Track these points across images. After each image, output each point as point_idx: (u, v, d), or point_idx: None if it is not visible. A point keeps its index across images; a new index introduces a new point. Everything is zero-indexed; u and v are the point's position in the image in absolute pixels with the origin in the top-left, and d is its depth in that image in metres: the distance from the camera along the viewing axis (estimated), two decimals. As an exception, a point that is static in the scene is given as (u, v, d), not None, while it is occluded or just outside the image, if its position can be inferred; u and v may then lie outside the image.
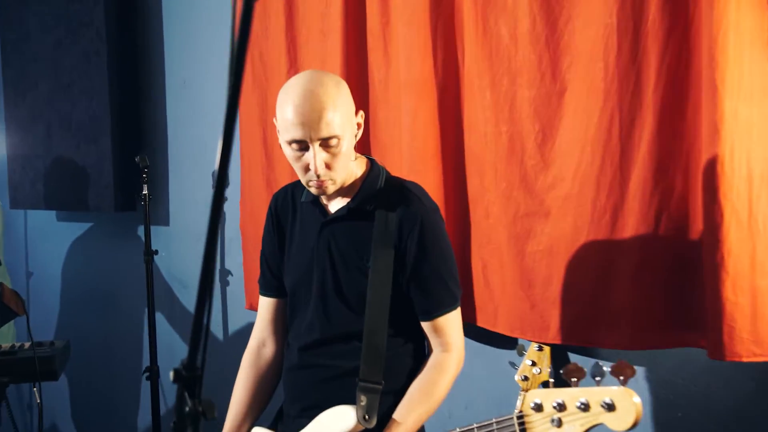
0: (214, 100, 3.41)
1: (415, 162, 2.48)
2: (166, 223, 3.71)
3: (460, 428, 1.65)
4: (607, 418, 1.37)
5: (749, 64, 1.84)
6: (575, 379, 1.43)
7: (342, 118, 1.76)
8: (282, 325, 2.11)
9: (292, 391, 2.01)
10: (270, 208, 2.09)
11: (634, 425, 1.34)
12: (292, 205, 2.05)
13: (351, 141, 1.83)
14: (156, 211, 3.67)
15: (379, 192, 1.92)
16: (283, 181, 2.71)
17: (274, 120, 1.85)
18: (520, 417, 1.50)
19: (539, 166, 2.26)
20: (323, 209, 1.96)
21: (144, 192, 3.35)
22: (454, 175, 2.50)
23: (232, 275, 3.46)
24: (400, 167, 2.48)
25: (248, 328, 2.34)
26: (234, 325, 3.47)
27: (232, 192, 3.28)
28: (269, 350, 2.12)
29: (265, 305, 2.12)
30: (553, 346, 2.27)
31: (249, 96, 3.06)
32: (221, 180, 0.94)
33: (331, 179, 1.81)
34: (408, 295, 1.90)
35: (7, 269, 3.81)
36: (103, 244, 4.03)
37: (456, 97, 2.49)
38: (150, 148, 3.70)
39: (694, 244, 1.99)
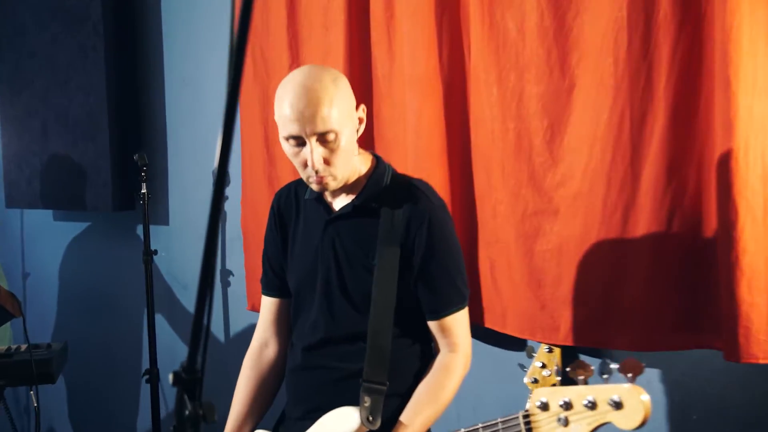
0: (214, 97, 3.42)
1: (421, 160, 2.49)
2: (166, 222, 3.72)
3: (465, 429, 1.66)
4: (614, 417, 1.37)
5: (764, 57, 1.84)
6: (582, 377, 1.44)
7: (340, 113, 1.77)
8: (285, 325, 2.12)
9: (295, 393, 2.02)
10: (273, 206, 2.10)
11: (643, 424, 1.34)
12: (295, 202, 2.06)
13: (351, 136, 1.84)
14: (155, 210, 3.68)
15: (385, 189, 1.92)
16: (286, 178, 2.72)
17: (275, 117, 1.86)
18: (525, 416, 1.51)
19: (548, 163, 2.26)
20: (327, 207, 1.97)
21: (143, 190, 3.35)
22: (460, 173, 2.51)
23: (233, 276, 3.46)
24: (405, 165, 2.49)
25: (250, 329, 2.35)
26: (235, 327, 3.48)
27: (233, 191, 3.28)
28: (272, 351, 2.13)
29: (268, 305, 2.13)
30: (563, 348, 2.27)
31: (250, 92, 3.07)
32: (221, 176, 0.94)
33: (331, 175, 1.82)
34: (415, 294, 1.91)
35: (2, 270, 3.81)
36: (102, 244, 4.04)
37: (462, 93, 2.49)
38: (149, 145, 3.70)
39: (708, 242, 2.00)
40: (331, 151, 1.79)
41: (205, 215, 0.94)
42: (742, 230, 1.86)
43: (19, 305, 3.34)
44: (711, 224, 1.99)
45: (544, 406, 1.48)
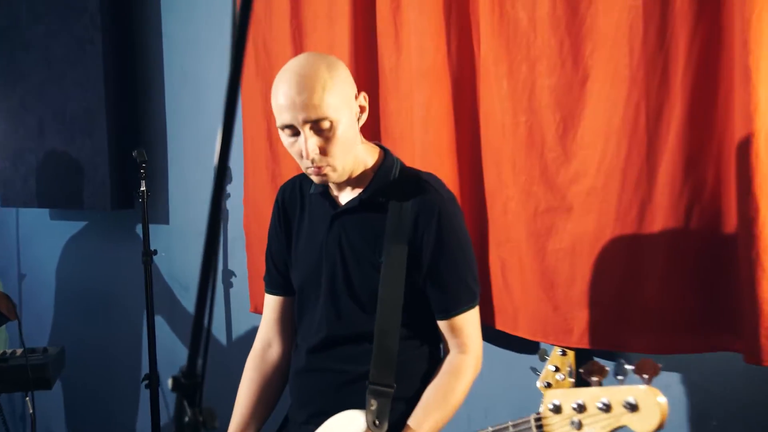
0: (216, 91, 3.42)
1: (429, 155, 2.49)
2: (166, 221, 3.73)
3: (474, 432, 1.66)
4: (630, 420, 1.37)
5: (785, 47, 1.83)
6: (597, 379, 1.43)
7: (335, 100, 1.77)
8: (289, 325, 2.12)
9: (299, 396, 2.03)
10: (277, 201, 2.10)
11: (660, 427, 1.33)
12: (300, 197, 2.06)
13: (350, 125, 1.82)
14: (155, 209, 3.69)
15: (393, 183, 1.92)
16: (289, 175, 2.71)
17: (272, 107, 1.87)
18: (537, 419, 1.51)
19: (560, 158, 2.26)
20: (333, 201, 1.97)
21: (142, 188, 3.37)
22: (469, 169, 2.51)
23: (235, 276, 3.47)
24: (412, 161, 2.49)
25: (253, 332, 2.35)
26: (238, 330, 3.49)
27: (235, 188, 3.29)
28: (275, 352, 2.13)
29: (271, 304, 2.13)
30: (577, 351, 2.27)
31: (252, 86, 3.07)
32: (221, 171, 0.95)
33: (329, 165, 1.81)
34: (423, 292, 1.90)
35: (-3, 271, 3.84)
36: (100, 244, 4.05)
37: (471, 86, 2.49)
38: (148, 141, 3.72)
39: (728, 239, 1.99)
40: (327, 140, 1.78)
41: (206, 214, 0.94)
42: (763, 226, 1.85)
43: (14, 308, 3.35)
44: (730, 220, 1.99)
45: (557, 409, 1.48)
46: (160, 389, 3.42)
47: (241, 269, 3.39)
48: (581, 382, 1.79)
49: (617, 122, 2.12)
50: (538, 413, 1.51)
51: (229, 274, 3.49)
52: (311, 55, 1.85)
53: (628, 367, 1.39)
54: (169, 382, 0.98)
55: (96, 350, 4.04)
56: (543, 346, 2.36)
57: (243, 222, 3.23)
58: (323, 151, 1.79)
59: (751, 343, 1.90)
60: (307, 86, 1.74)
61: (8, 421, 3.53)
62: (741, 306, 1.93)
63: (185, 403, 0.98)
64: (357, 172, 1.91)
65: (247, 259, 3.21)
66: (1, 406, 3.22)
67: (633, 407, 1.36)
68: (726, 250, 2.00)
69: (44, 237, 4.25)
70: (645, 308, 2.11)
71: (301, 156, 1.80)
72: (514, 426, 1.58)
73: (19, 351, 3.27)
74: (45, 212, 4.21)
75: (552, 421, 1.48)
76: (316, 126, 1.76)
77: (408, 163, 2.01)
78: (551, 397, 1.49)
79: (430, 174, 1.98)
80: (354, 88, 1.86)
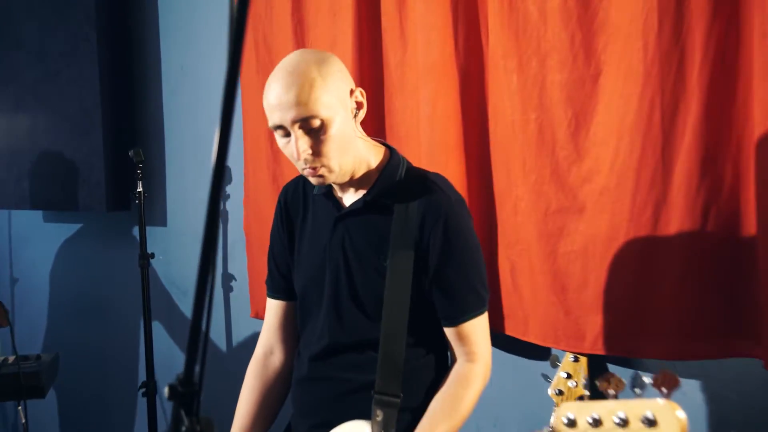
0: (215, 89, 3.43)
1: (436, 154, 2.49)
2: (164, 223, 3.74)
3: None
4: None
5: (806, 41, 1.83)
6: (613, 392, 1.43)
7: (326, 97, 1.74)
8: (292, 330, 2.12)
9: (301, 405, 2.02)
10: (279, 201, 2.09)
11: None
12: (303, 197, 2.05)
13: (344, 123, 1.80)
14: (152, 211, 3.70)
15: (398, 184, 1.91)
16: (291, 175, 2.72)
17: None
18: (551, 434, 1.50)
19: (572, 157, 2.25)
20: (337, 203, 1.96)
21: (139, 189, 3.37)
22: (478, 168, 2.51)
23: (235, 280, 3.47)
24: (418, 160, 2.49)
25: (253, 338, 2.35)
26: (238, 336, 3.49)
27: (235, 189, 3.29)
28: (277, 359, 2.13)
29: (273, 309, 2.13)
30: (590, 357, 2.27)
31: (253, 83, 3.07)
32: (219, 170, 0.94)
33: (324, 166, 1.79)
34: (430, 298, 1.89)
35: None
36: (95, 247, 4.06)
37: (480, 82, 2.49)
38: (145, 141, 3.73)
39: (746, 241, 1.98)
40: (319, 139, 1.76)
41: (204, 216, 0.94)
42: (784, 228, 1.85)
43: (6, 313, 3.36)
44: (749, 221, 1.98)
45: (571, 423, 1.47)
46: (157, 397, 3.42)
47: (241, 273, 3.39)
48: (594, 389, 1.78)
49: (631, 119, 2.12)
50: (551, 427, 1.51)
51: (229, 277, 3.49)
52: (303, 52, 1.83)
53: (646, 379, 1.39)
54: (166, 390, 0.98)
55: (91, 357, 4.05)
56: (554, 352, 2.36)
57: (243, 224, 3.23)
58: (316, 152, 1.77)
59: (771, 348, 1.90)
60: (294, 84, 1.73)
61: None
62: (760, 310, 1.93)
63: (182, 413, 0.98)
64: (360, 172, 1.90)
65: (247, 262, 3.21)
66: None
67: (651, 422, 1.35)
68: (744, 252, 1.99)
69: (37, 240, 4.26)
70: (660, 313, 2.10)
71: (295, 157, 1.80)
72: None
73: (11, 358, 3.28)
74: (38, 214, 4.22)
75: (566, 436, 1.47)
76: (306, 125, 1.74)
77: (413, 161, 2.01)
78: (565, 410, 1.48)
79: (437, 174, 1.97)
80: (349, 84, 1.84)
